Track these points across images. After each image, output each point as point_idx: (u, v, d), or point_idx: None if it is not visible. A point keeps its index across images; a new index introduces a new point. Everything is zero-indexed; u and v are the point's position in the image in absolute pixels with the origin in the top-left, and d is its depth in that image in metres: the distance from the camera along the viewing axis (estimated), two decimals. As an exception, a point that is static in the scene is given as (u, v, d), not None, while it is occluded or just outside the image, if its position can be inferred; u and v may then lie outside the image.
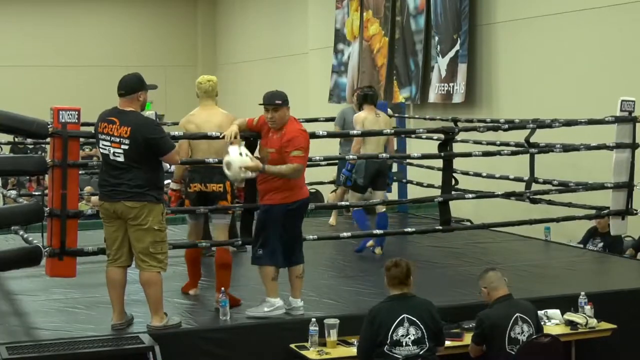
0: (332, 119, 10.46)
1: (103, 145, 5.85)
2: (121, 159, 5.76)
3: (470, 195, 8.74)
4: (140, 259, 5.86)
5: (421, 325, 5.52)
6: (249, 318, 6.20)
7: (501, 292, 5.94)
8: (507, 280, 6.07)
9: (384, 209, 8.78)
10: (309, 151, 6.20)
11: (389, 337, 5.46)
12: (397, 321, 5.47)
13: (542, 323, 6.23)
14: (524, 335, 5.81)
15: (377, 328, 5.50)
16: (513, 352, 5.74)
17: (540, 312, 6.33)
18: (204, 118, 6.70)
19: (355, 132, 8.19)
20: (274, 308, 6.19)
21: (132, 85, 5.90)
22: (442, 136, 8.16)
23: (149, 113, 5.80)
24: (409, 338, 5.49)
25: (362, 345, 5.62)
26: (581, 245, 9.47)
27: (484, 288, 6.01)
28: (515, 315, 5.82)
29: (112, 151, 5.79)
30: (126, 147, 5.74)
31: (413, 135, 9.49)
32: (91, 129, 6.29)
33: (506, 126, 8.51)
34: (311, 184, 10.28)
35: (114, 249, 5.93)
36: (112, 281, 5.95)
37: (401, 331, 5.49)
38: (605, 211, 8.78)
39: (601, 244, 9.37)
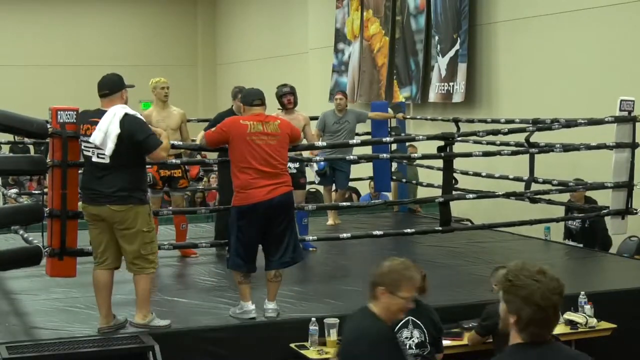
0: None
1: (86, 147, 5.76)
2: (106, 160, 5.63)
3: (470, 195, 8.74)
4: (132, 262, 5.77)
5: (425, 330, 5.45)
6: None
7: None
8: None
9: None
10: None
11: None
12: (401, 323, 5.36)
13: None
14: None
15: None
16: None
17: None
18: (161, 116, 8.33)
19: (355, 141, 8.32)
20: (241, 312, 6.15)
21: (114, 84, 5.81)
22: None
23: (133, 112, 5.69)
24: (413, 341, 5.42)
25: None
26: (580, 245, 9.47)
27: (495, 286, 5.99)
28: None
29: (96, 153, 5.67)
30: (111, 147, 5.59)
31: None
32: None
33: (506, 130, 8.50)
34: (312, 183, 10.30)
35: (99, 252, 5.83)
36: (98, 283, 5.84)
37: (405, 333, 5.41)
38: (605, 210, 8.79)
39: (579, 222, 9.33)
